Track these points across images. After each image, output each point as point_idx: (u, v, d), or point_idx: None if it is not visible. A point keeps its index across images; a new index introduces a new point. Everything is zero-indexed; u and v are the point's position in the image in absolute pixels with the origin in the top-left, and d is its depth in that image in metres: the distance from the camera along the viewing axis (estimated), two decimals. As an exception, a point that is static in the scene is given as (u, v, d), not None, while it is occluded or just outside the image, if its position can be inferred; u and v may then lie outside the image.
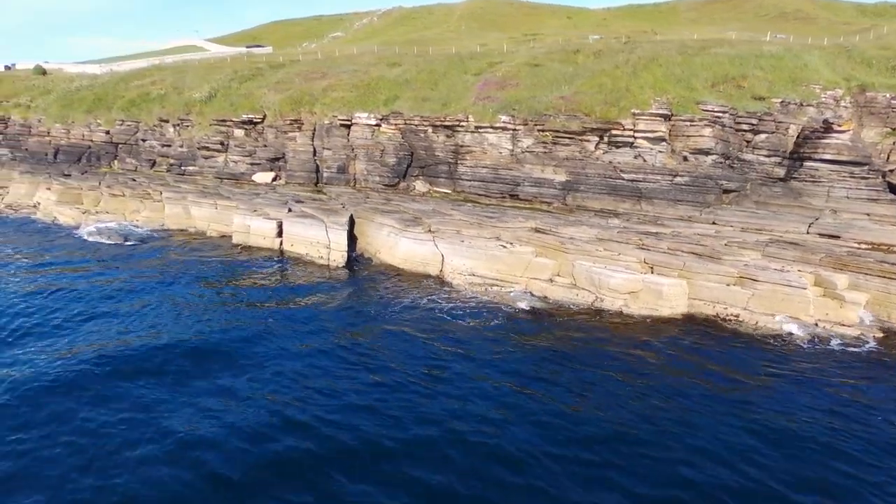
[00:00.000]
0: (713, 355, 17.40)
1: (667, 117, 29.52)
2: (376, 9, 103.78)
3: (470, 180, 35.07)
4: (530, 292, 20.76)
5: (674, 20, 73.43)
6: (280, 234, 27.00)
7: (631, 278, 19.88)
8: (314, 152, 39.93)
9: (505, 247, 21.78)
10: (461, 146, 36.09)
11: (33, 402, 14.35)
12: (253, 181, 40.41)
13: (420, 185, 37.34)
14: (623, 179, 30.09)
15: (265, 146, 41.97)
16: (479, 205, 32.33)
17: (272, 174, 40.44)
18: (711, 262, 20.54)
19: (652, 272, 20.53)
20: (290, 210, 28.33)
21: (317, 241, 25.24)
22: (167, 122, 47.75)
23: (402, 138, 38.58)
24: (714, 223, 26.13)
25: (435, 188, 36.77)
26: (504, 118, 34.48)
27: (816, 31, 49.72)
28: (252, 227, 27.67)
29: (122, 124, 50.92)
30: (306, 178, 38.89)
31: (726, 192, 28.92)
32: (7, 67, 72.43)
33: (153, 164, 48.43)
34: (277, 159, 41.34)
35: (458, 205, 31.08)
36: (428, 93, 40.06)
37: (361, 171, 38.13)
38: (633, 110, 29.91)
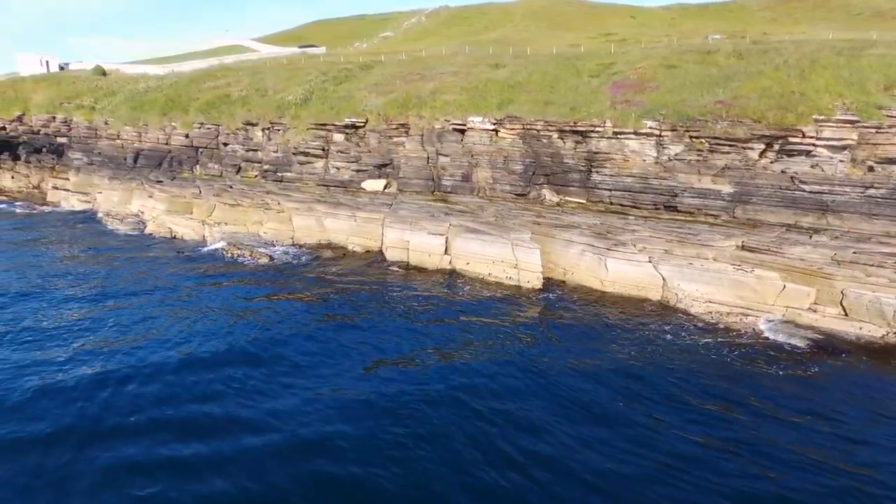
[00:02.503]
0: None
1: (854, 124, 27.22)
2: (420, 8, 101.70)
3: (610, 189, 32.81)
4: (788, 321, 18.50)
5: (749, 19, 71.06)
6: (447, 250, 24.79)
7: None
8: (428, 158, 37.71)
9: (746, 270, 19.57)
10: (596, 153, 33.83)
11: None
12: (363, 189, 38.22)
13: (549, 194, 35.12)
14: (803, 191, 27.79)
15: (369, 152, 39.79)
16: (628, 216, 30.07)
17: (383, 182, 38.25)
18: None
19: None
20: (450, 225, 26.11)
21: (501, 259, 23.02)
22: (255, 125, 45.58)
23: (524, 144, 36.38)
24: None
25: (566, 197, 34.55)
26: (650, 123, 32.22)
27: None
28: (412, 243, 25.45)
29: (200, 127, 48.80)
30: (423, 187, 36.68)
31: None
32: (61, 67, 70.34)
33: (238, 169, 46.32)
34: (385, 166, 39.14)
35: (621, 218, 28.84)
36: (547, 96, 37.82)
37: (486, 179, 35.91)
38: (814, 116, 27.61)
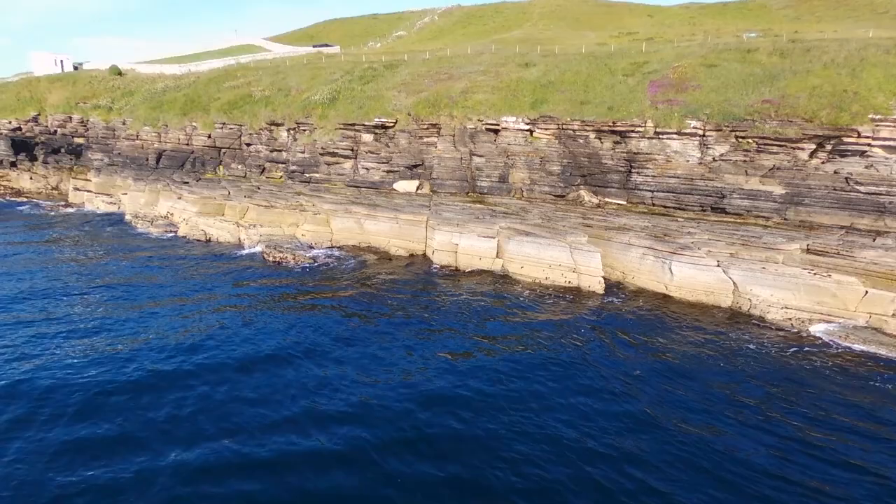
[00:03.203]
0: None
1: (912, 123, 26.49)
2: (432, 7, 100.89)
3: (652, 191, 32.13)
4: (874, 328, 17.77)
5: (769, 17, 70.29)
6: (498, 253, 24.10)
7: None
8: (461, 159, 37.01)
9: (823, 275, 18.90)
10: (636, 153, 33.16)
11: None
12: (395, 190, 37.53)
13: (587, 196, 34.43)
14: (859, 192, 27.09)
15: (399, 152, 39.11)
16: (675, 218, 29.36)
17: (415, 183, 37.57)
18: None
19: None
20: (500, 228, 25.42)
21: (558, 263, 22.33)
22: (279, 125, 44.94)
23: (560, 144, 35.71)
24: None
25: (605, 199, 33.87)
26: (694, 123, 31.55)
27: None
28: (461, 247, 24.77)
29: (223, 127, 48.17)
30: (458, 188, 35.99)
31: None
32: (75, 67, 69.67)
33: (262, 170, 45.67)
34: (416, 166, 38.45)
35: (670, 219, 28.13)
36: (582, 95, 37.15)
37: (523, 180, 35.23)
38: (870, 115, 26.91)
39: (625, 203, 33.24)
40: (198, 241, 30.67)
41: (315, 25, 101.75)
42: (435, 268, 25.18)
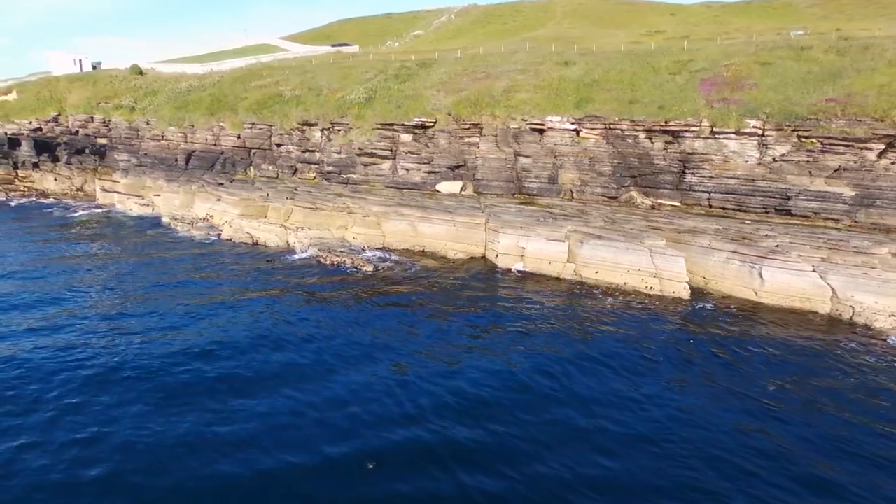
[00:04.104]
0: None
1: None
2: (448, 7, 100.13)
3: (709, 192, 31.28)
4: None
5: (796, 16, 69.52)
6: (569, 258, 23.23)
7: None
8: (506, 159, 36.14)
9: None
10: (691, 154, 32.33)
11: None
12: (438, 191, 36.67)
13: (638, 197, 33.58)
14: (935, 194, 26.21)
15: (440, 153, 38.25)
16: (742, 220, 28.46)
17: (459, 184, 36.70)
18: None
19: None
20: (569, 231, 24.56)
21: (637, 268, 21.46)
22: (313, 125, 44.07)
23: (608, 145, 34.87)
24: None
25: (658, 200, 33.01)
26: (753, 123, 30.72)
27: None
28: (529, 250, 23.89)
29: (252, 127, 47.30)
30: (504, 189, 35.14)
31: None
32: (93, 66, 68.80)
33: (294, 170, 44.81)
34: (458, 167, 37.58)
35: (736, 221, 27.27)
36: (630, 94, 36.34)
37: (573, 181, 34.37)
38: (946, 114, 26.07)
39: (679, 204, 32.41)
40: (244, 244, 29.77)
41: (329, 25, 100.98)
42: (500, 271, 24.30)
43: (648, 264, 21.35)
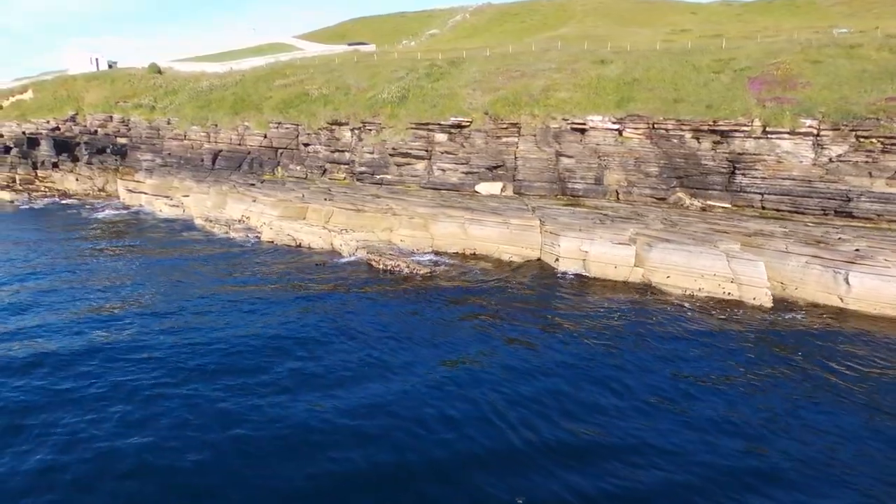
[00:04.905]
0: None
1: None
2: (461, 6, 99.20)
3: (762, 193, 30.50)
4: None
5: (820, 14, 68.73)
6: (636, 262, 22.41)
7: None
8: (548, 159, 35.32)
9: None
10: (741, 154, 31.56)
11: None
12: (477, 192, 35.87)
13: (686, 198, 32.76)
14: None
15: (477, 153, 37.44)
16: (794, 221, 27.65)
17: (499, 185, 35.89)
18: None
19: None
20: (633, 234, 23.74)
21: (712, 273, 20.62)
22: (343, 124, 43.33)
23: (652, 145, 34.08)
24: None
25: (707, 201, 32.20)
26: (808, 122, 29.93)
27: None
28: (592, 254, 23.04)
29: (278, 127, 46.57)
30: (547, 189, 34.33)
31: None
32: (109, 65, 67.99)
33: (323, 171, 44.00)
34: (496, 167, 36.78)
35: (795, 223, 26.44)
36: (673, 93, 35.58)
37: (619, 182, 33.57)
38: None
39: (729, 206, 31.62)
40: (286, 246, 28.92)
41: (343, 24, 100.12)
42: (560, 275, 23.47)
43: (725, 269, 20.51)
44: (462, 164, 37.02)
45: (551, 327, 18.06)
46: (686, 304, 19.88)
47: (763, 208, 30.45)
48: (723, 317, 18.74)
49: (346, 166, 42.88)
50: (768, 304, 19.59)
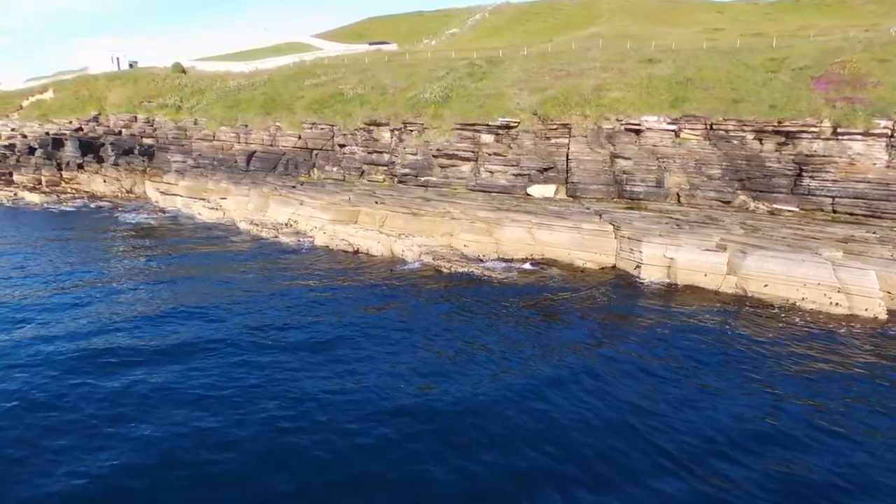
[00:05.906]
0: None
1: None
2: (480, 5, 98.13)
3: (834, 197, 29.45)
4: None
5: (850, 14, 67.76)
6: (728, 269, 21.35)
7: None
8: (602, 161, 34.25)
9: None
10: (809, 156, 30.48)
11: None
12: (529, 195, 34.82)
13: (750, 201, 31.71)
14: None
15: (525, 154, 36.38)
16: (873, 226, 26.62)
17: (552, 187, 34.83)
18: None
19: None
20: (721, 239, 22.67)
21: (815, 282, 19.57)
22: (382, 125, 42.25)
23: (712, 146, 33.02)
24: None
25: (773, 205, 31.12)
26: (883, 123, 28.87)
27: None
28: (679, 261, 21.98)
29: (312, 128, 45.51)
30: (604, 192, 33.27)
31: None
32: (130, 65, 66.89)
33: (361, 172, 42.92)
34: (547, 169, 35.72)
35: (888, 228, 25.39)
36: (731, 93, 34.52)
37: (680, 185, 32.52)
38: None
39: (796, 209, 30.54)
40: (343, 252, 27.81)
41: (360, 23, 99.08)
42: (642, 283, 22.39)
43: (830, 278, 19.46)
44: (511, 165, 35.96)
45: (653, 341, 16.95)
46: (795, 318, 18.80)
47: (834, 212, 29.39)
48: (842, 331, 17.66)
49: (385, 168, 41.78)
50: (883, 315, 18.53)
